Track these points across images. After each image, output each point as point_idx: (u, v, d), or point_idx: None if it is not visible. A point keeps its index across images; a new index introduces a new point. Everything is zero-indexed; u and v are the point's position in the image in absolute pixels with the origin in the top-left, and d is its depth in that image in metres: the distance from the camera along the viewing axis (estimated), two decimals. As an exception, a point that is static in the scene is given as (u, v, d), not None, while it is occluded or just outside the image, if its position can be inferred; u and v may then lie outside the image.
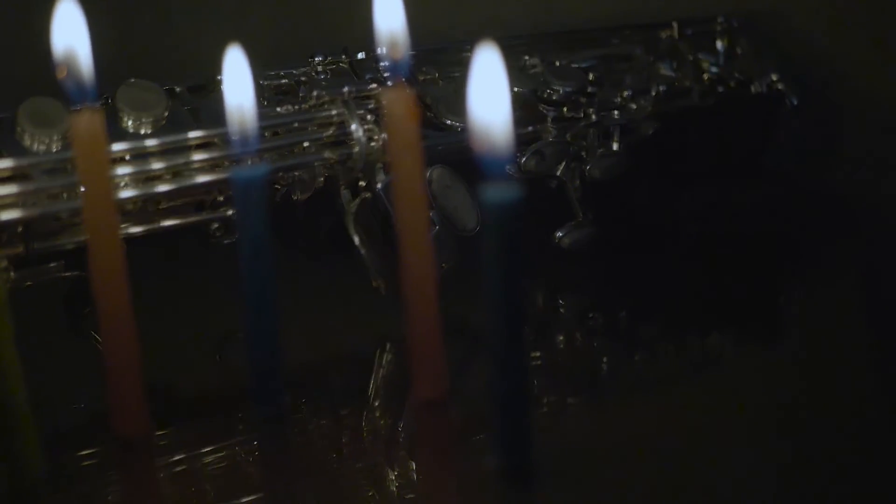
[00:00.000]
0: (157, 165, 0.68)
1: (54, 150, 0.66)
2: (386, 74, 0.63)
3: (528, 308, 0.56)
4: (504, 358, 0.56)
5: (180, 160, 0.68)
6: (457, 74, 0.76)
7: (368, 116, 0.72)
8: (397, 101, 0.61)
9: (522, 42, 0.80)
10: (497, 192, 0.54)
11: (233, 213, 0.69)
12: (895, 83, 0.87)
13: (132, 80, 0.69)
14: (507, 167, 0.55)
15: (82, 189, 0.60)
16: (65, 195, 0.66)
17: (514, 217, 0.54)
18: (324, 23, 0.84)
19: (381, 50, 0.62)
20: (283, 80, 0.73)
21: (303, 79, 0.73)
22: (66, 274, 0.68)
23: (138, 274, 0.62)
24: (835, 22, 0.86)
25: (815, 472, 0.58)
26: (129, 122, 0.68)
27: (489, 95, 0.55)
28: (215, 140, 0.69)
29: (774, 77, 0.82)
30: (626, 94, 0.79)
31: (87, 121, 0.59)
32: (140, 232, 0.68)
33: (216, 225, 0.70)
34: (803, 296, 0.77)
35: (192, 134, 0.69)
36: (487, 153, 0.55)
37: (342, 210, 0.71)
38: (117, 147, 0.67)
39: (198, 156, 0.69)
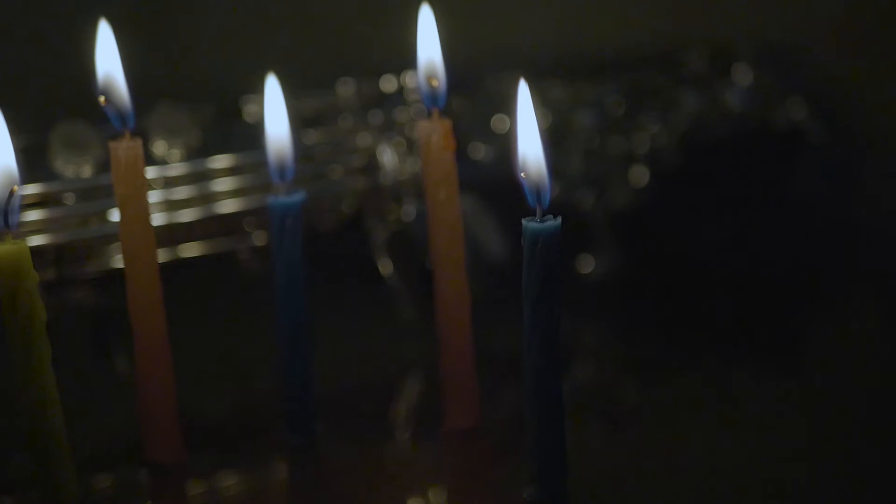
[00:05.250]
0: (189, 191, 0.68)
1: (86, 175, 0.67)
2: (422, 104, 0.63)
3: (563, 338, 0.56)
4: (540, 388, 0.56)
5: (213, 186, 0.68)
6: (485, 105, 0.76)
7: (400, 144, 0.72)
8: (434, 131, 0.61)
9: (546, 71, 0.80)
10: (536, 223, 0.55)
11: (264, 240, 0.69)
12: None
13: (163, 103, 0.70)
14: (546, 199, 0.56)
15: (120, 216, 0.60)
16: (96, 221, 0.66)
17: (552, 249, 0.55)
18: (350, 47, 0.84)
19: (419, 79, 0.62)
20: (312, 106, 0.73)
21: (331, 104, 0.73)
22: (93, 300, 0.68)
23: (168, 300, 0.62)
24: (861, 52, 0.86)
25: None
26: (161, 147, 0.69)
27: (526, 129, 0.56)
28: (245, 166, 0.69)
29: (800, 108, 0.82)
30: (651, 124, 0.80)
31: (127, 148, 0.59)
32: (170, 258, 0.68)
33: (245, 252, 0.70)
34: (828, 328, 0.76)
35: (224, 160, 0.69)
36: (527, 185, 0.56)
37: (372, 239, 0.72)
38: (152, 173, 0.67)
39: (230, 182, 0.69)
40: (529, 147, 0.56)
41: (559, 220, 0.55)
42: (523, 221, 0.55)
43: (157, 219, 0.67)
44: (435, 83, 0.62)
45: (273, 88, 0.62)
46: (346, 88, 0.74)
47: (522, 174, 0.56)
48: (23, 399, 0.56)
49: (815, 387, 0.69)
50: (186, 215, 0.68)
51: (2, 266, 0.55)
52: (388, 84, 0.75)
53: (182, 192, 0.68)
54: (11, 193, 0.55)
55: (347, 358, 0.71)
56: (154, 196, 0.67)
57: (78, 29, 0.66)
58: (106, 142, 0.65)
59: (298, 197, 0.62)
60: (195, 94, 0.73)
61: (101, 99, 0.59)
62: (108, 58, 0.60)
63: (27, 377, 0.56)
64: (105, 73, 0.60)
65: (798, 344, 0.75)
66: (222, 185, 0.69)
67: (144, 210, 0.60)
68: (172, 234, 0.68)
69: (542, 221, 0.55)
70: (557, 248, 0.54)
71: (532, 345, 0.55)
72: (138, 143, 0.59)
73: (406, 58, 0.67)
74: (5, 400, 0.62)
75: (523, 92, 0.56)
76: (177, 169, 0.68)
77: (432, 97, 0.62)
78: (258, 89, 0.65)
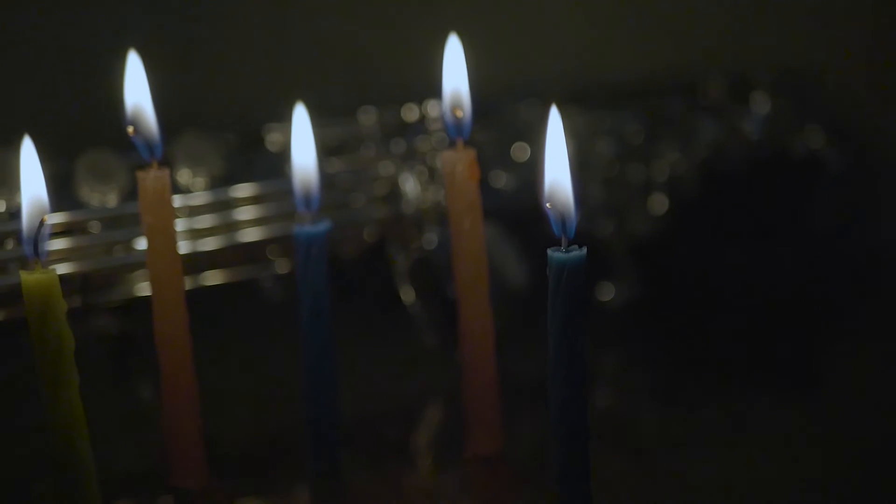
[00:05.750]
0: (213, 219, 0.68)
1: (111, 203, 0.67)
2: (444, 133, 0.63)
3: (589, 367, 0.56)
4: (565, 417, 0.56)
5: (236, 215, 0.69)
6: (505, 133, 0.77)
7: (422, 173, 0.73)
8: (459, 161, 0.62)
9: (565, 100, 0.80)
10: (562, 254, 0.55)
11: (287, 268, 0.70)
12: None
13: (186, 132, 0.70)
14: (572, 229, 0.56)
15: (147, 245, 0.61)
16: (121, 249, 0.66)
17: (578, 279, 0.55)
18: (371, 77, 0.84)
19: (444, 109, 0.62)
20: (334, 135, 0.73)
21: (353, 133, 0.74)
22: (117, 327, 0.69)
23: (192, 327, 0.62)
24: (879, 80, 0.87)
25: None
26: (185, 176, 0.69)
27: (554, 158, 0.56)
28: (268, 194, 0.69)
29: (818, 136, 0.82)
30: (670, 152, 0.80)
31: (154, 178, 0.60)
32: (194, 286, 0.68)
33: (268, 279, 0.71)
34: (847, 356, 0.76)
35: (247, 188, 0.69)
36: (552, 214, 0.56)
37: (393, 266, 0.72)
38: (177, 202, 0.67)
39: (253, 210, 0.69)
40: (557, 176, 0.56)
41: (584, 250, 0.54)
42: (549, 252, 0.55)
43: (182, 247, 0.67)
44: (460, 114, 0.62)
45: (300, 117, 0.63)
46: (368, 117, 0.74)
47: (548, 204, 0.56)
48: (51, 426, 0.56)
49: (836, 415, 0.69)
50: (210, 243, 0.68)
51: (32, 295, 0.55)
52: (409, 113, 0.75)
53: (206, 221, 0.68)
54: (42, 223, 0.56)
55: (370, 385, 0.71)
56: (178, 224, 0.67)
57: (105, 58, 0.66)
58: (131, 170, 0.65)
59: (324, 226, 0.62)
60: (217, 122, 0.74)
61: (130, 129, 0.60)
62: (137, 89, 0.61)
63: (55, 404, 0.56)
64: (134, 103, 0.60)
65: (817, 372, 0.75)
66: (245, 213, 0.69)
67: (172, 239, 0.60)
68: (196, 262, 0.68)
69: (567, 251, 0.55)
70: (583, 278, 0.54)
71: (557, 374, 0.55)
72: (166, 172, 0.60)
73: (426, 87, 0.67)
74: (31, 425, 0.63)
75: (554, 120, 0.56)
76: (201, 197, 0.68)
77: (457, 127, 0.62)
78: (280, 118, 0.65)
